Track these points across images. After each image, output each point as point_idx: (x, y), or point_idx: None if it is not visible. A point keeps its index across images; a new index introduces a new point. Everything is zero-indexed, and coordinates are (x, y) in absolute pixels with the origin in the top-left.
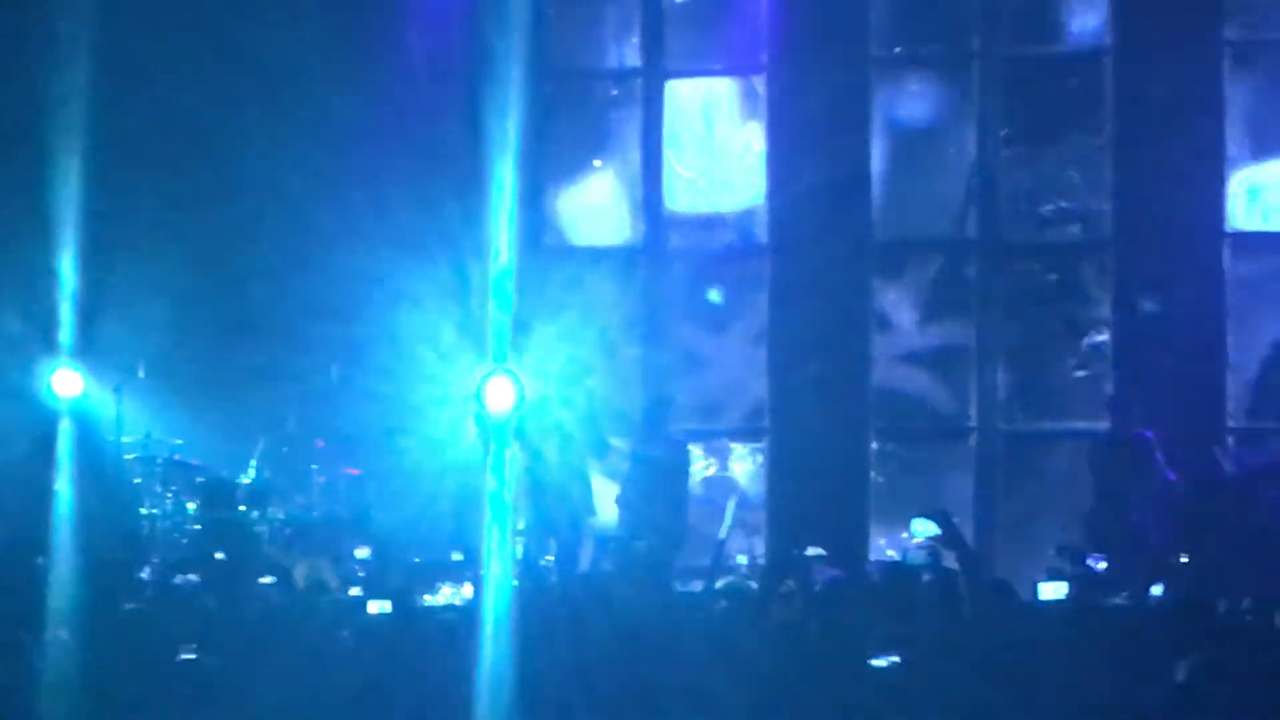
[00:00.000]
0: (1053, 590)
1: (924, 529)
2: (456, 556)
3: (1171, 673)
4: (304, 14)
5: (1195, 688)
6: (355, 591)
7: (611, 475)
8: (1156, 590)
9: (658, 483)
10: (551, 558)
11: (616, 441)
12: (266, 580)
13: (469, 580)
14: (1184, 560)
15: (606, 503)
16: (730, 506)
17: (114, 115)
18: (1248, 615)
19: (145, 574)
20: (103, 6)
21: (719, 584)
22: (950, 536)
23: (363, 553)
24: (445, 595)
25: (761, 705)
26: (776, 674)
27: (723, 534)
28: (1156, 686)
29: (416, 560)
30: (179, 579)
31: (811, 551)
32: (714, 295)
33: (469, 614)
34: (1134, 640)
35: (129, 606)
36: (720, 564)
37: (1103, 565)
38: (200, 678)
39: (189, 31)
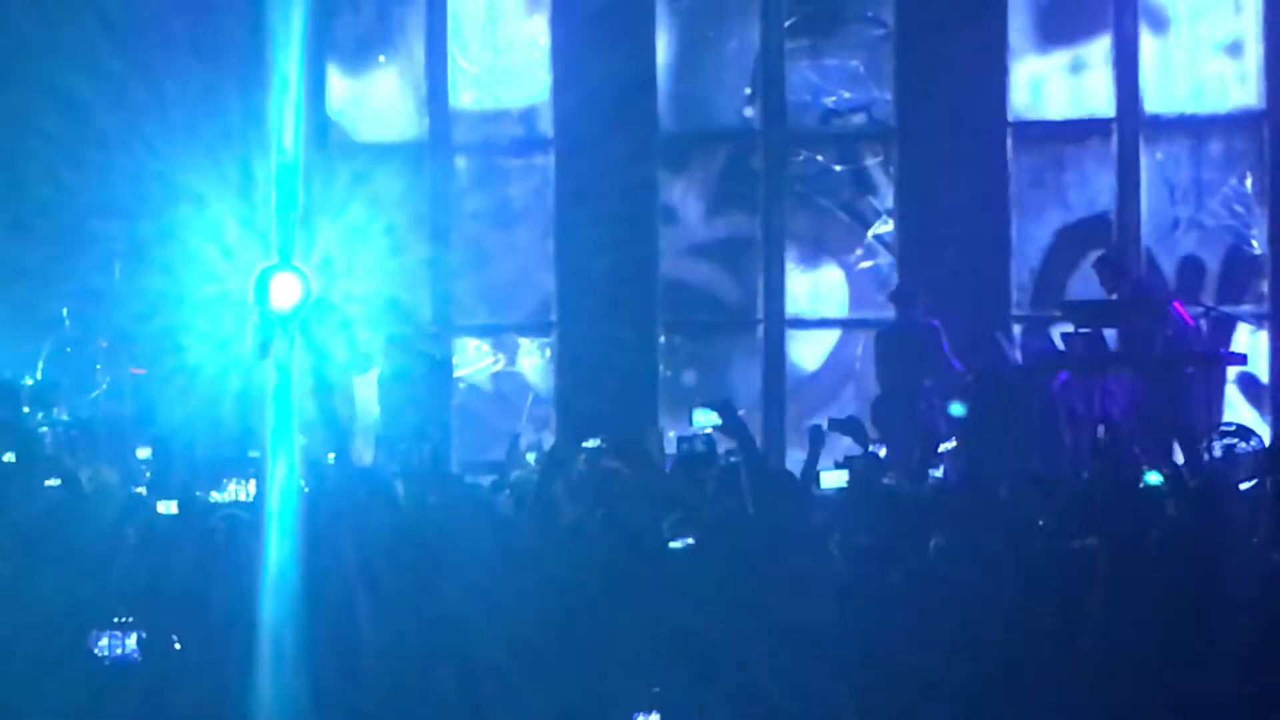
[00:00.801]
0: (835, 479)
1: (706, 419)
2: (254, 454)
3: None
4: None
5: (960, 567)
6: (140, 491)
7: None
8: (936, 474)
9: (420, 380)
10: (332, 456)
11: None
12: (52, 483)
13: (253, 477)
14: (955, 446)
15: (372, 400)
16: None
17: None
18: (1022, 499)
19: None
20: None
21: (510, 478)
22: (732, 426)
23: (144, 453)
24: (231, 492)
25: (542, 594)
26: (560, 564)
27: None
28: (914, 566)
29: (199, 457)
30: None
31: (590, 443)
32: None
33: (253, 511)
34: (911, 523)
35: None
36: (513, 459)
37: (883, 451)
38: None
39: None
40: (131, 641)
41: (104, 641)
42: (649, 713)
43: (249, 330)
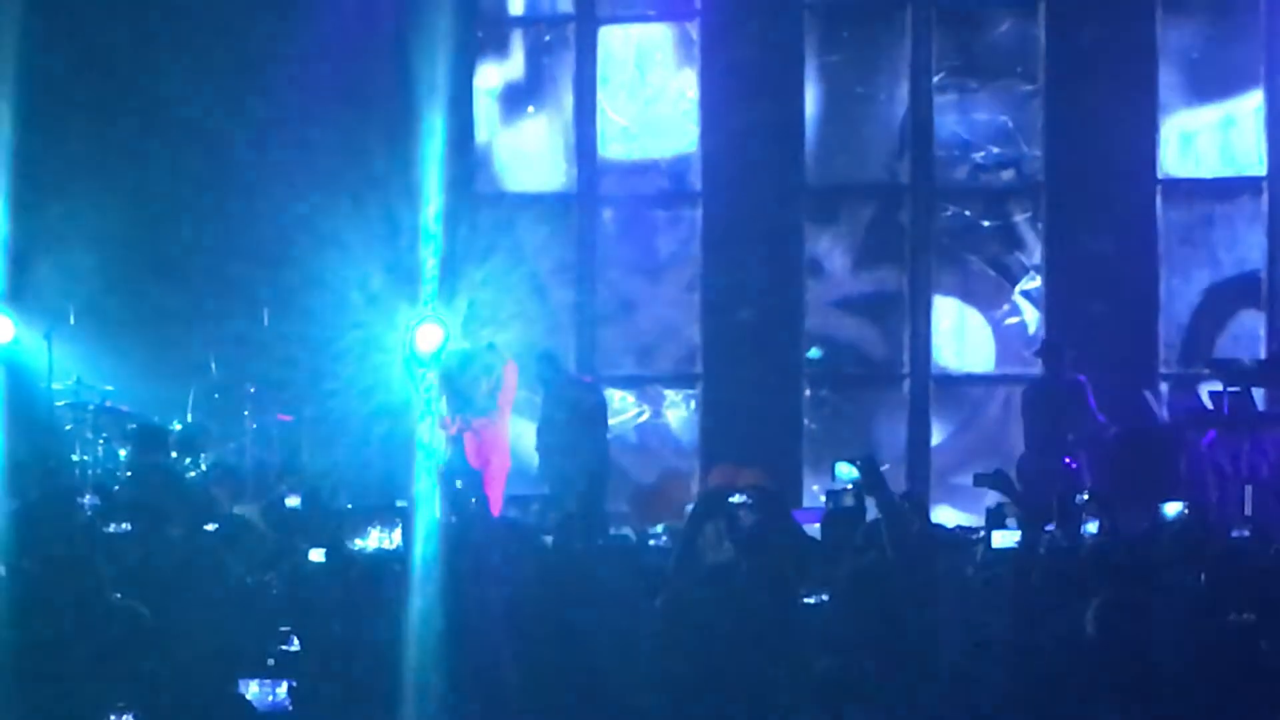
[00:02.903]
0: (1003, 538)
1: (847, 473)
2: (401, 504)
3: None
4: None
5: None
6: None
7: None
8: (1091, 529)
9: (575, 429)
10: (475, 500)
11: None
12: (210, 527)
13: (399, 525)
14: (1088, 499)
15: (529, 450)
16: None
17: (41, 58)
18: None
19: (77, 520)
20: None
21: (655, 529)
22: (871, 481)
23: (293, 500)
24: (375, 540)
25: (685, 645)
26: (704, 617)
27: None
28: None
29: (349, 506)
30: (112, 527)
31: (736, 499)
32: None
33: (397, 558)
34: (1066, 580)
35: (59, 552)
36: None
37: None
38: (133, 622)
39: None
40: (282, 690)
41: (254, 689)
42: None
43: (399, 377)
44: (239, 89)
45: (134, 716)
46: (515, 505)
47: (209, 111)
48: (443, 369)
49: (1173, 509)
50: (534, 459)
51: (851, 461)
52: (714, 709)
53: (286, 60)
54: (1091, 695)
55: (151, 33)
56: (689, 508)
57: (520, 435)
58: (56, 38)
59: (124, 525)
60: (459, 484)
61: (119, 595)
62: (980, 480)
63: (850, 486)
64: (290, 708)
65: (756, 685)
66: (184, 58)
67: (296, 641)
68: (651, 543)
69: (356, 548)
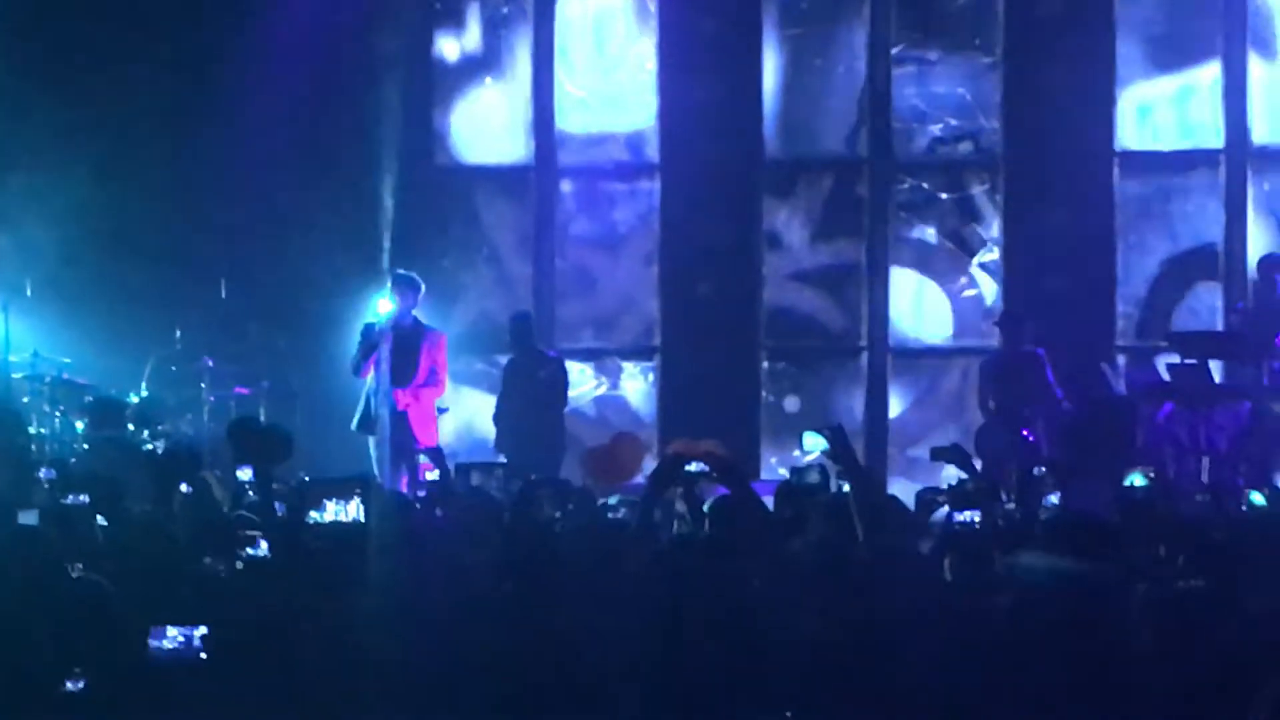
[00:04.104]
0: (963, 517)
1: (814, 443)
2: (357, 476)
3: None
4: None
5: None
6: (241, 511)
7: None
8: (1053, 499)
9: (533, 398)
10: (434, 473)
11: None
12: (183, 489)
13: (355, 497)
14: (1046, 472)
15: (486, 419)
16: None
17: (3, 35)
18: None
19: (34, 493)
20: None
21: (611, 501)
22: (839, 451)
23: (245, 474)
24: (330, 513)
25: (642, 618)
26: (661, 585)
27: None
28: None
29: (305, 479)
30: (70, 499)
31: (694, 468)
32: None
33: (356, 531)
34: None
35: (17, 524)
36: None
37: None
38: (93, 595)
39: None
40: (198, 634)
41: (173, 632)
42: None
43: (356, 350)
44: (197, 63)
45: (88, 682)
46: (479, 472)
47: (167, 85)
48: (390, 344)
49: (1135, 481)
50: (492, 430)
51: (819, 431)
52: (677, 681)
53: (245, 34)
54: (1049, 673)
55: (110, 7)
56: (647, 476)
57: (479, 409)
58: (20, 14)
59: (82, 497)
60: (422, 458)
61: (80, 566)
62: (938, 454)
63: (815, 457)
64: (203, 655)
65: (719, 658)
66: (142, 33)
67: (264, 545)
68: (609, 515)
69: (312, 520)
